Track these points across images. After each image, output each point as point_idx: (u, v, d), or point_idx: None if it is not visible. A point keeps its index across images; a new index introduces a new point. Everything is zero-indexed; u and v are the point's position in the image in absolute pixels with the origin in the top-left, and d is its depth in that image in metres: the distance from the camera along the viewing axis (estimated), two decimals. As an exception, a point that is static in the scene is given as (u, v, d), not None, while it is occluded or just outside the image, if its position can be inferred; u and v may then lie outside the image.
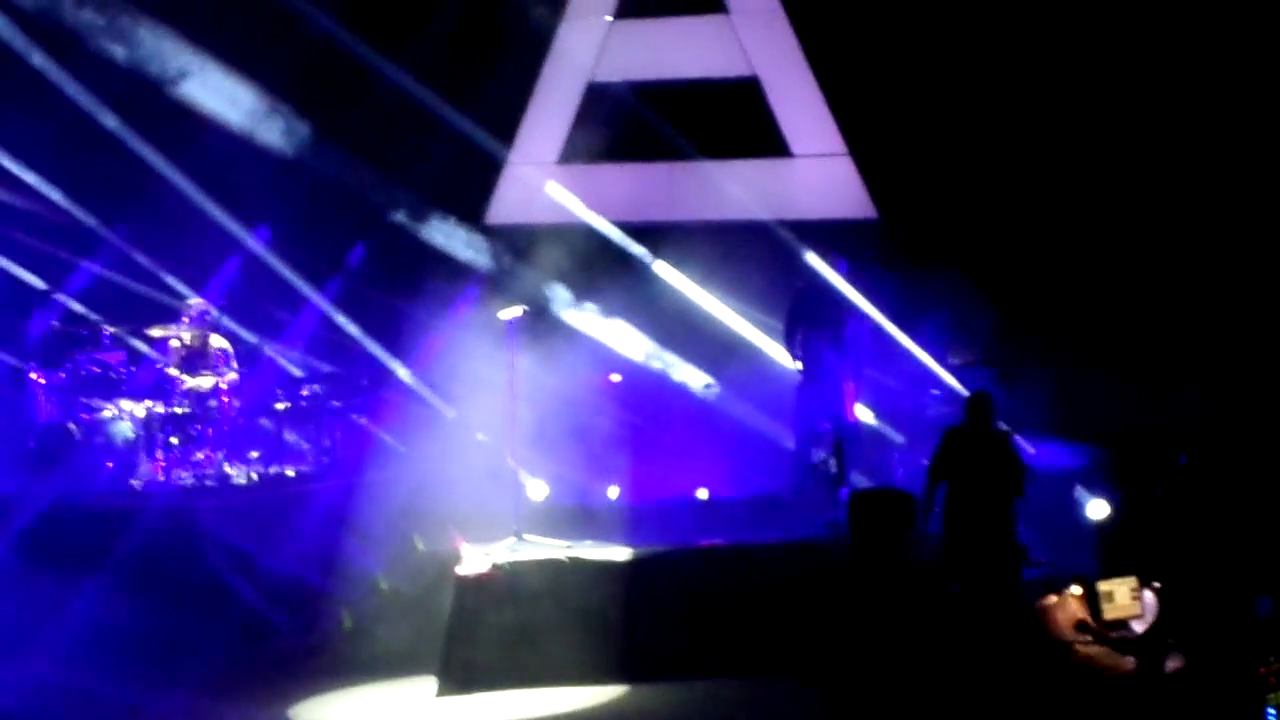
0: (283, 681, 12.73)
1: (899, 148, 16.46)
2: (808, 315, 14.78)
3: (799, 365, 14.72)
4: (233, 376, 15.41)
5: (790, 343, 14.96)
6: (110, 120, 16.39)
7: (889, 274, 15.54)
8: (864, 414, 15.13)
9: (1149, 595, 11.72)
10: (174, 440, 14.99)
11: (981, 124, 16.03)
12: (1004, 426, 12.80)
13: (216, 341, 15.50)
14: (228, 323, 15.92)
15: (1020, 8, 15.97)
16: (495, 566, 12.65)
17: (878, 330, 15.37)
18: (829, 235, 16.17)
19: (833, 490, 14.15)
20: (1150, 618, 11.65)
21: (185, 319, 15.49)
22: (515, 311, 13.75)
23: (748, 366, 16.25)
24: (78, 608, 13.03)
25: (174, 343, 15.43)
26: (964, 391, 14.33)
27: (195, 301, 15.68)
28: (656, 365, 16.42)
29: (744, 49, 17.09)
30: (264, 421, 15.85)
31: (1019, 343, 15.59)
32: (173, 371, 15.25)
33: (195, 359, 15.34)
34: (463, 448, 15.05)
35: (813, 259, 15.43)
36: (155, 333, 15.64)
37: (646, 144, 17.11)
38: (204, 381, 15.17)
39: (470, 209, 17.26)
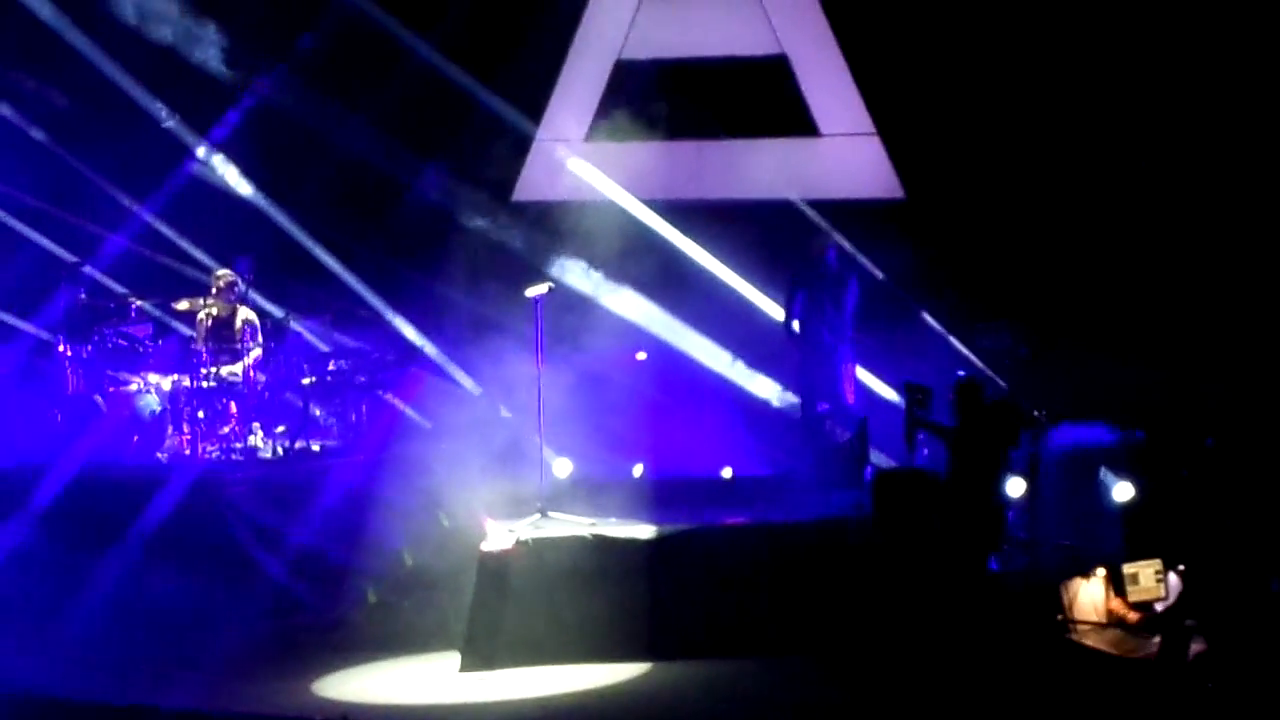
0: (307, 656, 12.77)
1: (928, 127, 16.40)
2: (805, 295, 14.92)
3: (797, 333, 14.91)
4: (258, 351, 15.45)
5: (788, 319, 15.11)
6: (137, 93, 16.46)
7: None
8: (886, 392, 15.16)
9: (1174, 578, 11.71)
10: (200, 414, 15.04)
11: (1012, 104, 15.96)
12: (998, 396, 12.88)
13: (244, 314, 15.54)
14: (255, 296, 15.96)
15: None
16: (519, 543, 12.66)
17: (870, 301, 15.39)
18: (855, 215, 16.19)
19: (857, 470, 14.14)
20: (1174, 600, 11.64)
21: (213, 292, 15.54)
22: (542, 288, 13.75)
23: (772, 344, 16.24)
24: (103, 581, 13.10)
25: (201, 316, 15.50)
26: (987, 371, 14.36)
27: (223, 274, 15.70)
28: (682, 343, 16.42)
29: (773, 27, 17.01)
30: (291, 396, 15.89)
31: (1046, 324, 15.52)
32: (200, 346, 15.30)
33: (222, 333, 15.39)
34: (488, 424, 15.06)
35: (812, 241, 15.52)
36: (182, 306, 15.70)
37: (674, 122, 17.06)
38: (235, 368, 15.23)
39: (498, 186, 17.24)
